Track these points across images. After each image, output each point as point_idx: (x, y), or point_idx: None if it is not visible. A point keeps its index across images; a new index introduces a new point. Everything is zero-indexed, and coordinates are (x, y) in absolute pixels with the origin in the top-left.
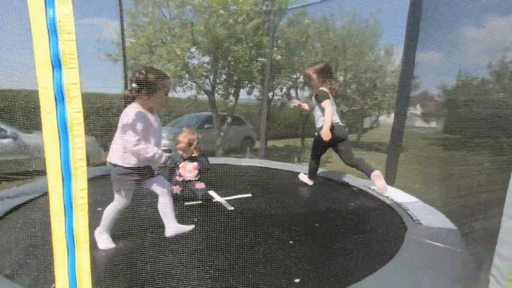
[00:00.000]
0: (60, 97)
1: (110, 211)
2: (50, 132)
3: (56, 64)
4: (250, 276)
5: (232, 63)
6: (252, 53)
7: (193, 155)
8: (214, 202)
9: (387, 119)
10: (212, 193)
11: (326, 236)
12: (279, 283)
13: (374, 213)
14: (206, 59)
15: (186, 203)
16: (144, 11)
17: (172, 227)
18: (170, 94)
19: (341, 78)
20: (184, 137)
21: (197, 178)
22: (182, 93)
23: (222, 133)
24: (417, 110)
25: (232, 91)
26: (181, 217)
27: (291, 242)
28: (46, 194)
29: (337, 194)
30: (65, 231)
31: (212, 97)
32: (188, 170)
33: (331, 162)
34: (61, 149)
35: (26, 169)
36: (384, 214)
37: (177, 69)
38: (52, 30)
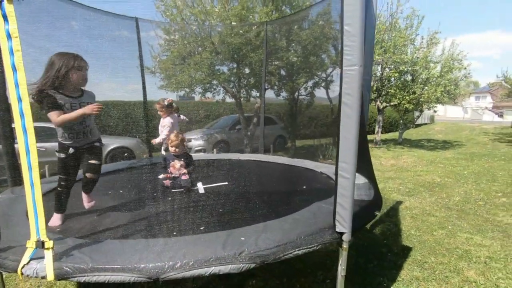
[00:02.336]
0: (13, 67)
1: None
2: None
3: (11, 52)
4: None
5: (252, 67)
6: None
7: (183, 152)
8: (193, 188)
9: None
10: (199, 183)
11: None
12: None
13: (314, 188)
14: (230, 65)
15: (173, 190)
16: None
17: None
18: (204, 99)
19: (378, 74)
20: (176, 136)
21: (183, 173)
22: (212, 97)
23: (249, 133)
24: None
25: (258, 93)
26: (163, 198)
27: (220, 210)
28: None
29: (296, 176)
30: (29, 180)
31: (238, 100)
32: (176, 168)
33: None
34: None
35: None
36: (320, 189)
37: (203, 76)
38: (8, 35)
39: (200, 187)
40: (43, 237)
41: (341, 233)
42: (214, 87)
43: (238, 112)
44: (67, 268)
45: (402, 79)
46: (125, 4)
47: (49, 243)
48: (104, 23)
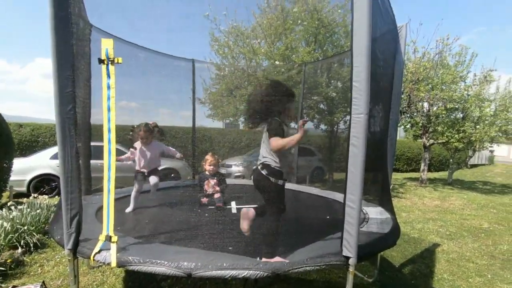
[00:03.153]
0: (108, 108)
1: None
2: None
3: (108, 98)
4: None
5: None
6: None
7: (217, 171)
8: (226, 207)
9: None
10: (233, 203)
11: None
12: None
13: (336, 218)
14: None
15: (209, 207)
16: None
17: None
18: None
19: (425, 110)
20: (212, 156)
21: (217, 190)
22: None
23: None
24: None
25: (296, 125)
26: (201, 214)
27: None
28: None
29: (322, 206)
30: (107, 188)
31: None
32: (210, 186)
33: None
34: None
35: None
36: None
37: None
38: (108, 87)
39: (233, 206)
40: (111, 233)
41: (348, 257)
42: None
43: None
44: (126, 259)
45: (452, 116)
46: (185, 48)
47: (115, 238)
48: (170, 63)
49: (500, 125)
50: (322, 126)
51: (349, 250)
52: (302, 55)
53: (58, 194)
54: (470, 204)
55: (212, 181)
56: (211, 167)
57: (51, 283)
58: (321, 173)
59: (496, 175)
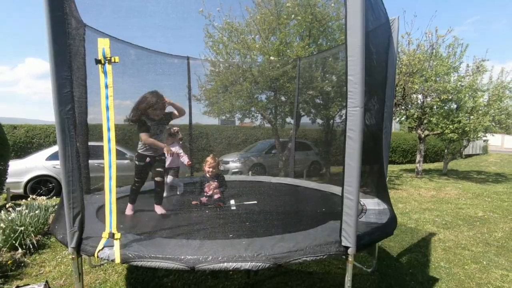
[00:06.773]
0: (107, 107)
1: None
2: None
3: (106, 97)
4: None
5: (288, 96)
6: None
7: (217, 173)
8: (226, 205)
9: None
10: (232, 200)
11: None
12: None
13: (334, 210)
14: (268, 93)
15: (209, 206)
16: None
17: None
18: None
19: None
20: (212, 158)
21: (216, 191)
22: (251, 122)
23: (283, 158)
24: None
25: (293, 120)
26: (201, 212)
27: (247, 223)
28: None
29: (320, 199)
30: (108, 187)
31: (275, 126)
32: (211, 188)
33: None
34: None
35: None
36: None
37: (243, 104)
38: (106, 86)
39: (232, 203)
40: (114, 230)
41: (347, 247)
42: (253, 113)
43: (274, 137)
44: (129, 254)
45: (446, 107)
46: (179, 44)
47: (118, 235)
48: (164, 61)
49: (493, 115)
50: (319, 121)
51: (348, 240)
52: (296, 50)
53: (56, 195)
54: (465, 194)
55: (214, 184)
56: (211, 169)
57: (54, 282)
58: (318, 167)
59: (490, 164)
